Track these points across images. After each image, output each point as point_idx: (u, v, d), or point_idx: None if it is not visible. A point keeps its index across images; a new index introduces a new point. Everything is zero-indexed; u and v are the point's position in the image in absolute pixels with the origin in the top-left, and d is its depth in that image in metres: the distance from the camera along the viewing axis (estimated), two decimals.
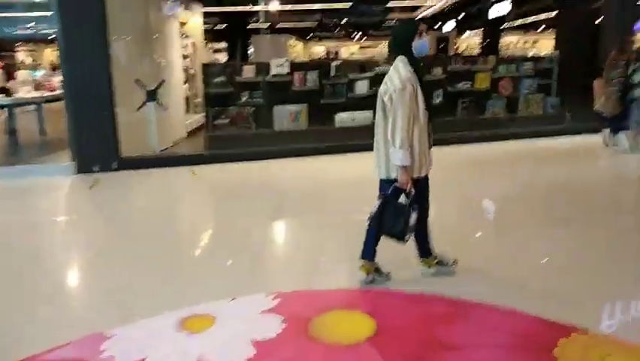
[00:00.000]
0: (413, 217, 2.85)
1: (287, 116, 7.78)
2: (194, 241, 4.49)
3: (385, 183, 2.97)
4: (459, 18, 16.93)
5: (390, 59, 3.06)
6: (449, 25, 18.34)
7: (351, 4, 12.09)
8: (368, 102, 7.95)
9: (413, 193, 2.87)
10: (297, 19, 18.00)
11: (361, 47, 27.16)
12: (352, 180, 6.13)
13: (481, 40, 16.17)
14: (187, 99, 9.03)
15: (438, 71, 8.32)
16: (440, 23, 19.14)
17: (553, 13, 11.96)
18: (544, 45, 20.91)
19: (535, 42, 23.94)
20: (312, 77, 7.85)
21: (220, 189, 6.19)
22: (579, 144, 7.93)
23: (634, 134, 7.01)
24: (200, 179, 6.48)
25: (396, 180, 2.87)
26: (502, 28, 15.42)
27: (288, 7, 14.22)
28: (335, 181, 6.17)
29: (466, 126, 8.26)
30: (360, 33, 23.68)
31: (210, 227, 5.00)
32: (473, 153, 7.54)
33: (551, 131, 8.37)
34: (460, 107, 8.37)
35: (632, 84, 6.90)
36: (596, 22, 9.74)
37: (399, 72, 2.82)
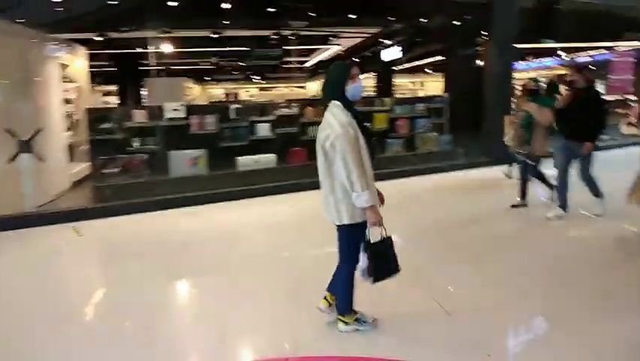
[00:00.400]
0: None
1: (185, 161, 7.31)
2: (71, 317, 3.77)
3: (348, 229, 2.91)
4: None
5: (323, 103, 2.96)
6: None
7: (248, 48, 12.06)
8: (271, 144, 7.82)
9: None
10: (192, 62, 17.60)
11: (261, 89, 27.35)
12: (260, 227, 5.82)
13: (376, 82, 16.91)
14: (70, 147, 8.19)
15: None
16: None
17: (440, 57, 12.85)
18: (432, 86, 22.48)
19: (422, 83, 25.73)
20: (211, 120, 7.51)
21: (108, 249, 5.47)
22: (479, 176, 8.33)
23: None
24: (85, 237, 5.71)
25: (358, 224, 2.87)
26: (394, 70, 16.27)
27: (183, 49, 13.82)
28: (242, 230, 5.78)
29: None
30: (259, 76, 23.80)
31: (94, 298, 4.26)
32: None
33: (448, 167, 8.74)
34: None
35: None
36: (478, 65, 10.54)
37: (337, 117, 2.76)
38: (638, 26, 13.01)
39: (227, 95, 22.95)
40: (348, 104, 2.83)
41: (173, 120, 7.35)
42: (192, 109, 7.67)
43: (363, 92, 2.97)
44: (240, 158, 7.55)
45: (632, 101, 11.89)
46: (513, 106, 7.92)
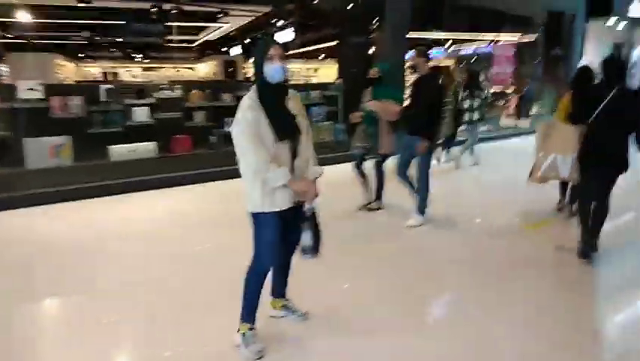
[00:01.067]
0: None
1: (45, 150, 6.23)
2: None
3: (254, 218, 2.68)
4: (245, 42, 16.80)
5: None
6: (236, 50, 18.10)
7: (125, 21, 10.74)
8: (151, 131, 6.95)
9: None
10: (62, 36, 15.60)
11: (145, 69, 25.31)
12: (138, 230, 5.04)
13: None
14: None
15: (227, 98, 7.71)
16: (227, 48, 18.84)
17: (334, 43, 12.59)
18: (327, 73, 22.38)
19: (316, 70, 25.60)
20: (77, 102, 6.46)
21: None
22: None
23: (462, 152, 8.13)
24: None
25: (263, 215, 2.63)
26: (287, 55, 15.71)
27: (46, 20, 12.05)
28: (115, 233, 4.96)
29: None
30: (142, 55, 21.94)
31: None
32: None
33: (343, 158, 8.50)
34: None
35: (462, 109, 7.81)
36: (372, 53, 10.42)
37: (240, 105, 2.59)
38: (517, 21, 13.87)
39: (105, 74, 20.82)
40: (266, 87, 2.58)
41: (30, 102, 6.20)
42: (53, 89, 6.55)
43: (285, 74, 2.61)
44: (113, 147, 6.61)
45: (511, 93, 12.65)
46: None
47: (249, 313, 2.78)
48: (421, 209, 5.08)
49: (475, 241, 4.77)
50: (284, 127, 2.57)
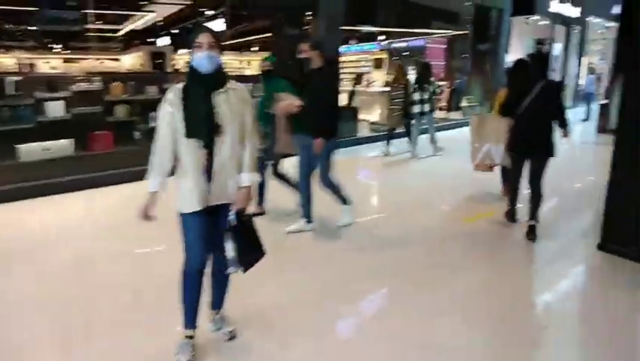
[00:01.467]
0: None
1: None
2: None
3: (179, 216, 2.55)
4: (174, 33, 16.05)
5: None
6: (164, 40, 17.28)
7: (37, 8, 9.83)
8: (67, 127, 6.36)
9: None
10: None
11: (66, 61, 23.66)
12: (47, 239, 4.53)
13: None
14: None
15: (153, 90, 7.21)
16: (155, 38, 17.95)
17: (267, 35, 12.25)
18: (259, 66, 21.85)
19: (250, 62, 25.01)
20: None
21: None
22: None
23: (414, 143, 8.42)
24: None
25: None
26: (220, 44, 15.17)
27: None
28: (21, 244, 4.43)
29: None
30: (61, 45, 20.45)
31: None
32: None
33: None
34: None
35: (411, 101, 8.07)
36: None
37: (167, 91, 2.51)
38: (447, 16, 14.15)
39: (19, 66, 19.21)
40: (194, 77, 2.43)
41: None
42: None
43: (213, 64, 2.41)
44: (22, 145, 5.96)
45: (442, 86, 12.88)
46: None
47: (186, 318, 2.64)
48: (306, 213, 4.64)
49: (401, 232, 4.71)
50: (196, 123, 2.39)
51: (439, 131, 11.24)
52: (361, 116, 11.01)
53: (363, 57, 18.04)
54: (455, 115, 13.14)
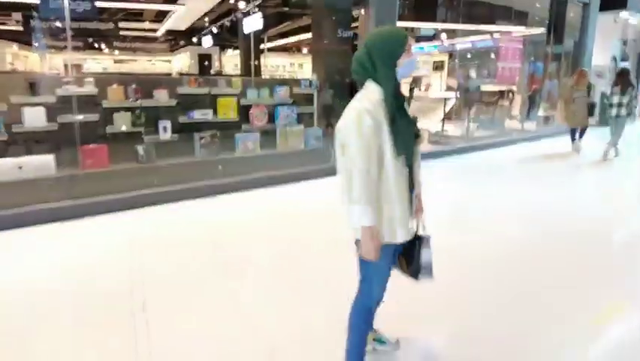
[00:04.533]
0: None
1: None
2: None
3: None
4: (215, 32, 14.93)
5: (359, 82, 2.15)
6: (208, 40, 16.23)
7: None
8: (50, 140, 5.17)
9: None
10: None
11: (116, 62, 23.38)
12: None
13: (241, 61, 14.41)
14: None
15: (163, 95, 5.94)
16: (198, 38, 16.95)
17: (310, 34, 10.85)
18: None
19: (301, 65, 23.71)
20: None
21: None
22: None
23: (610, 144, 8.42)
24: None
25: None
26: (263, 47, 14.04)
27: None
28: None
29: (208, 171, 6.06)
30: (107, 45, 19.97)
31: None
32: (216, 215, 5.32)
33: (316, 172, 6.77)
34: (198, 145, 6.13)
35: (610, 104, 8.23)
36: (354, 44, 8.72)
37: (353, 106, 2.04)
38: (518, 12, 12.24)
39: (65, 66, 18.83)
40: (393, 87, 2.07)
41: None
42: None
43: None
44: None
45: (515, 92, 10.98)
46: None
47: (355, 357, 2.28)
48: None
49: None
50: (405, 138, 2.06)
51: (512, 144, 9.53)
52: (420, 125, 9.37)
53: (422, 59, 16.38)
54: (530, 125, 11.20)
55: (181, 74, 5.90)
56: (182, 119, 6.16)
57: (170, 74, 6.99)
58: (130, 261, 3.84)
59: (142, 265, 3.75)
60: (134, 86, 5.85)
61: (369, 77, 2.09)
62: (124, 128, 5.70)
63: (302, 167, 6.76)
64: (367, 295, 2.23)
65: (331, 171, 7.09)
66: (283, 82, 7.65)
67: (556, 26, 12.21)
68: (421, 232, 2.27)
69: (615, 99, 8.18)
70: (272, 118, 6.83)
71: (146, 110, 5.92)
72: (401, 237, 2.08)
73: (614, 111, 8.20)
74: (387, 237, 2.05)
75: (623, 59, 14.48)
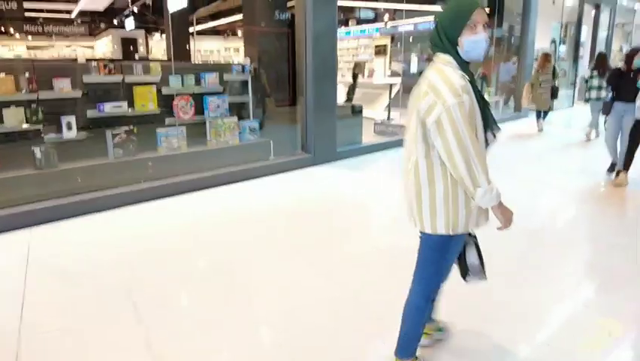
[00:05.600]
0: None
1: None
2: None
3: (438, 241, 1.96)
4: (137, 13, 13.58)
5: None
6: (131, 23, 14.77)
7: None
8: None
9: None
10: None
11: (31, 48, 21.20)
12: None
13: (168, 44, 13.16)
14: None
15: (65, 86, 4.94)
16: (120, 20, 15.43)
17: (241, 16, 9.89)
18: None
19: (238, 50, 22.51)
20: None
21: None
22: (293, 189, 5.70)
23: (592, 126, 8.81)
24: None
25: (455, 237, 1.96)
26: (193, 31, 12.89)
27: None
28: None
29: (124, 175, 5.12)
30: (17, 29, 17.96)
31: None
32: (137, 226, 4.42)
33: (255, 171, 5.99)
34: (111, 144, 5.17)
35: (590, 87, 8.21)
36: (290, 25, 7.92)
37: (447, 78, 1.79)
38: None
39: None
40: (461, 63, 1.85)
41: None
42: None
43: (485, 51, 1.87)
44: None
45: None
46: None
47: (412, 350, 2.18)
48: None
49: None
50: (489, 115, 1.92)
51: None
52: (366, 112, 8.77)
53: (363, 43, 15.79)
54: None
55: (88, 60, 4.91)
56: (90, 113, 5.20)
57: (75, 60, 5.90)
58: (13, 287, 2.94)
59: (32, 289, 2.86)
60: (27, 74, 4.82)
61: (439, 49, 1.89)
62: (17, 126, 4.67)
63: (237, 165, 5.95)
64: (425, 287, 2.11)
65: (272, 169, 6.42)
66: (212, 68, 6.74)
67: (498, 9, 11.95)
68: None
69: (595, 82, 8.26)
70: (200, 109, 5.97)
71: (46, 104, 4.92)
72: (481, 222, 1.97)
73: (593, 94, 8.30)
74: (471, 224, 1.93)
75: (562, 42, 14.57)
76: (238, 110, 6.45)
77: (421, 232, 2.02)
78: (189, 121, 5.85)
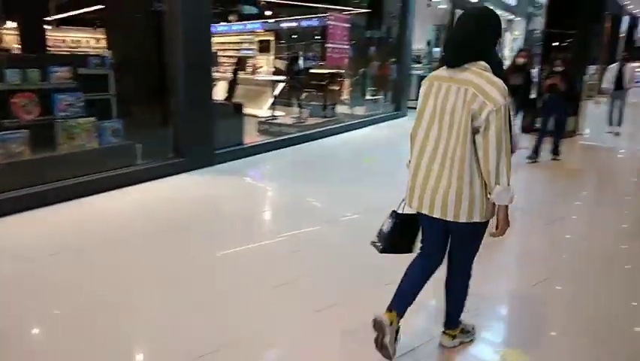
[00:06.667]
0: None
1: None
2: None
3: (478, 227, 2.18)
4: None
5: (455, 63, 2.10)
6: None
7: None
8: None
9: None
10: None
11: None
12: None
13: (20, 33, 11.45)
14: None
15: None
16: None
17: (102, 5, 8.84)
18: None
19: (99, 40, 20.65)
20: None
21: None
22: (164, 194, 5.04)
23: None
24: None
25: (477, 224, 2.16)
26: (49, 20, 11.42)
27: None
28: None
29: None
30: None
31: None
32: None
33: (117, 179, 5.23)
34: None
35: None
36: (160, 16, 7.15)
37: (494, 82, 2.02)
38: None
39: None
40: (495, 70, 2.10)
41: None
42: None
43: None
44: None
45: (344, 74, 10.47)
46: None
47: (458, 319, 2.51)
48: None
49: None
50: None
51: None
52: (248, 111, 8.30)
53: (246, 38, 15.27)
54: (360, 111, 10.88)
55: None
56: None
57: None
58: None
59: None
60: None
61: (479, 58, 2.10)
62: None
63: (96, 174, 5.14)
64: (470, 268, 2.36)
65: (139, 176, 5.65)
66: (63, 59, 5.79)
67: (377, 11, 12.10)
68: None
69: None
70: (48, 109, 5.05)
71: None
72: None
73: None
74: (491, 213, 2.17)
75: (437, 45, 15.28)
76: (99, 108, 5.58)
77: (450, 221, 2.14)
78: (35, 122, 4.92)
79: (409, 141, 2.27)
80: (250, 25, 14.63)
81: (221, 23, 16.19)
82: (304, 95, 9.10)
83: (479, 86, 2.00)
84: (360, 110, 10.90)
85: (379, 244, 2.40)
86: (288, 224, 4.43)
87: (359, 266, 3.37)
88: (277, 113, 9.14)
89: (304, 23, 12.25)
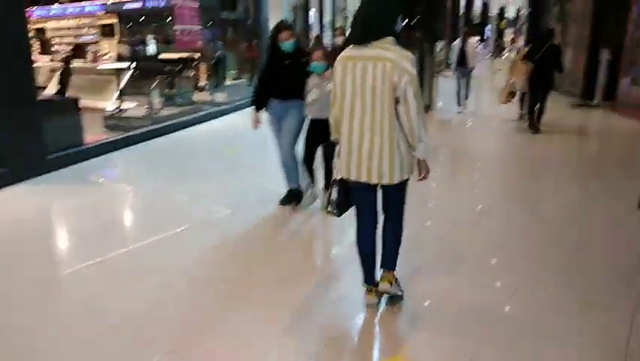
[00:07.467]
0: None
1: None
2: None
3: (405, 184, 2.53)
4: None
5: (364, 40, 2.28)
6: None
7: None
8: None
9: None
10: None
11: None
12: None
13: None
14: None
15: None
16: None
17: None
18: None
19: None
20: None
21: None
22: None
23: None
24: None
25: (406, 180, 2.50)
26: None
27: None
28: None
29: None
30: None
31: None
32: None
33: None
34: None
35: None
36: None
37: (406, 55, 2.29)
38: None
39: None
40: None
41: None
42: None
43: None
44: None
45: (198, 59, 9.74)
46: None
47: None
48: None
49: None
50: None
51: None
52: (88, 104, 7.28)
53: (86, 22, 13.67)
54: (221, 97, 10.25)
55: None
56: None
57: None
58: None
59: None
60: None
61: (387, 34, 2.31)
62: None
63: None
64: (404, 212, 2.65)
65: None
66: None
67: None
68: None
69: None
70: None
71: None
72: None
73: None
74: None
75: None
76: None
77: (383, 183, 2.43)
78: None
79: (331, 121, 2.52)
80: (89, 7, 13.05)
81: (55, 5, 14.31)
82: (155, 83, 8.24)
83: (395, 61, 2.24)
84: (221, 97, 10.28)
85: (336, 211, 2.69)
86: (115, 241, 3.83)
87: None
88: (126, 105, 8.18)
89: (149, 4, 11.17)
